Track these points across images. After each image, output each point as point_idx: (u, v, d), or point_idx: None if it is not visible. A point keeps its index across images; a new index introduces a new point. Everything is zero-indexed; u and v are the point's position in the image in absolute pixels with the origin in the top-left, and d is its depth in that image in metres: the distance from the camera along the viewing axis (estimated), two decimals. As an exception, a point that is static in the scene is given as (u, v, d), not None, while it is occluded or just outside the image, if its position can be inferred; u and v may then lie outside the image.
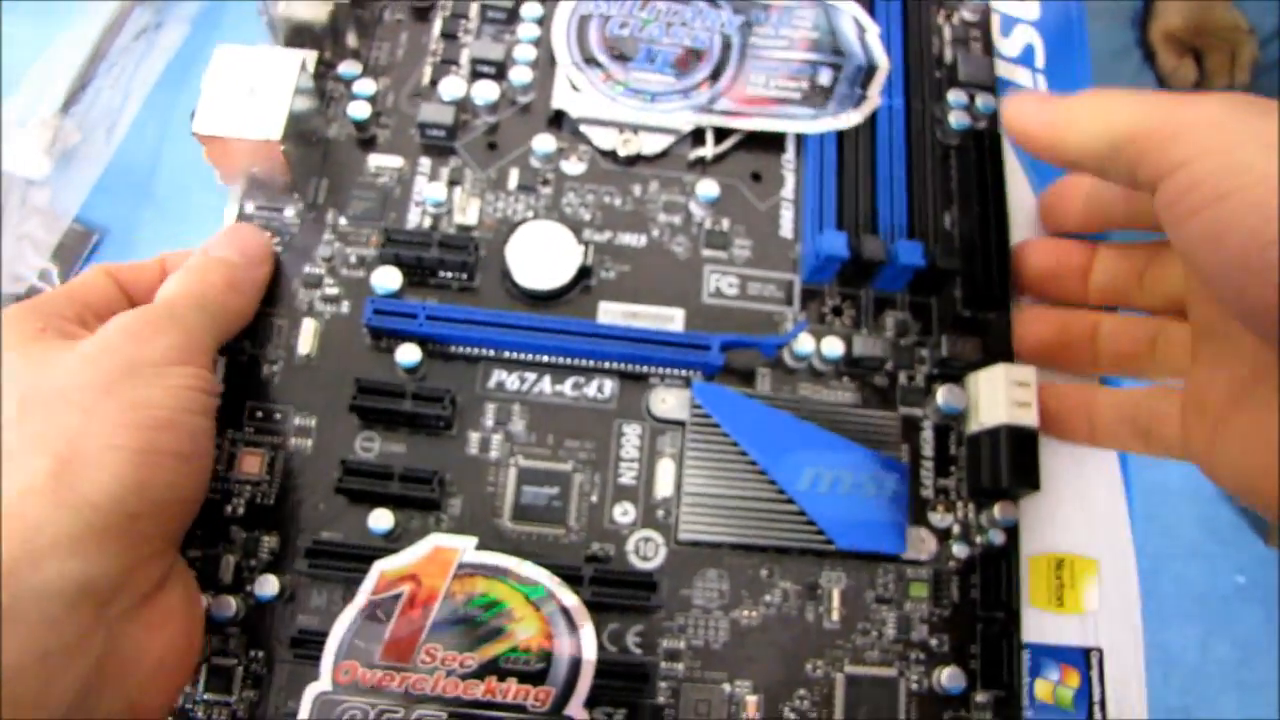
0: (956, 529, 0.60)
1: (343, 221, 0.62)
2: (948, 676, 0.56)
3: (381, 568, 0.54)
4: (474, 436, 0.59)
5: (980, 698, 0.57)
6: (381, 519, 0.56)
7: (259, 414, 0.58)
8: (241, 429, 0.58)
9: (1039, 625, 0.57)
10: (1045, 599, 0.58)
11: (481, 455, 0.58)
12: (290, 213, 0.61)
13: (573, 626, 0.53)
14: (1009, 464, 0.57)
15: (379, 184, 0.63)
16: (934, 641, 0.58)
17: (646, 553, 0.58)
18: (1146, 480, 0.61)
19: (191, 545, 0.54)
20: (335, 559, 0.54)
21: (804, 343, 0.60)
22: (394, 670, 0.52)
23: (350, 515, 0.56)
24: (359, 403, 0.56)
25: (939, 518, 0.60)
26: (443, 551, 0.54)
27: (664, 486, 0.58)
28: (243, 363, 0.58)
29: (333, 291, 0.60)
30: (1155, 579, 0.64)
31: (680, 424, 0.59)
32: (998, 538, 0.59)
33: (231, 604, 0.54)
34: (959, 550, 0.59)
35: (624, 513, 0.58)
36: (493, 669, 0.52)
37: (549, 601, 0.53)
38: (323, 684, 0.52)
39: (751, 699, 0.56)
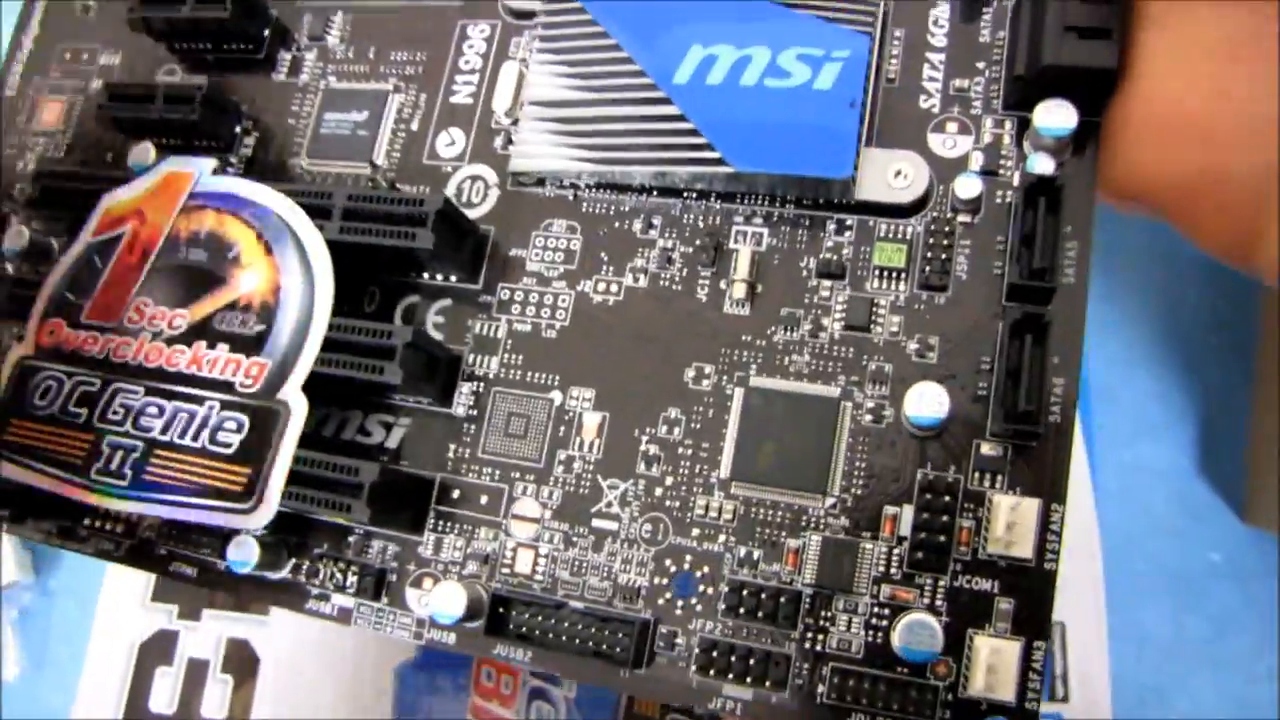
0: (977, 157, 0.35)
1: None
2: (924, 399, 0.33)
3: (107, 203, 0.40)
4: (284, 57, 0.43)
5: (989, 448, 0.33)
6: (141, 154, 0.42)
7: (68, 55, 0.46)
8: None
9: None
10: None
11: (290, 79, 0.42)
12: None
13: (307, 268, 0.36)
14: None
15: None
16: (911, 344, 0.34)
17: (472, 196, 0.39)
18: (1118, 458, 0.60)
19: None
20: (66, 196, 0.41)
21: None
22: (98, 332, 0.38)
23: (109, 146, 0.43)
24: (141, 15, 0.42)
25: (945, 141, 0.35)
26: (175, 178, 0.39)
27: (504, 99, 0.39)
28: None
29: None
30: (1127, 556, 0.57)
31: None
32: (1044, 165, 0.33)
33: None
34: (966, 188, 0.34)
35: (450, 143, 0.40)
36: (204, 331, 0.37)
37: (284, 238, 0.37)
38: (25, 346, 0.40)
39: (592, 418, 0.36)
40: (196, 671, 0.66)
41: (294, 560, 0.38)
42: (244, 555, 0.36)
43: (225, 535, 0.38)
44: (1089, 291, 0.33)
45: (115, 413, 0.37)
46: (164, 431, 0.36)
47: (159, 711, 0.66)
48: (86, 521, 0.40)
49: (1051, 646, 0.54)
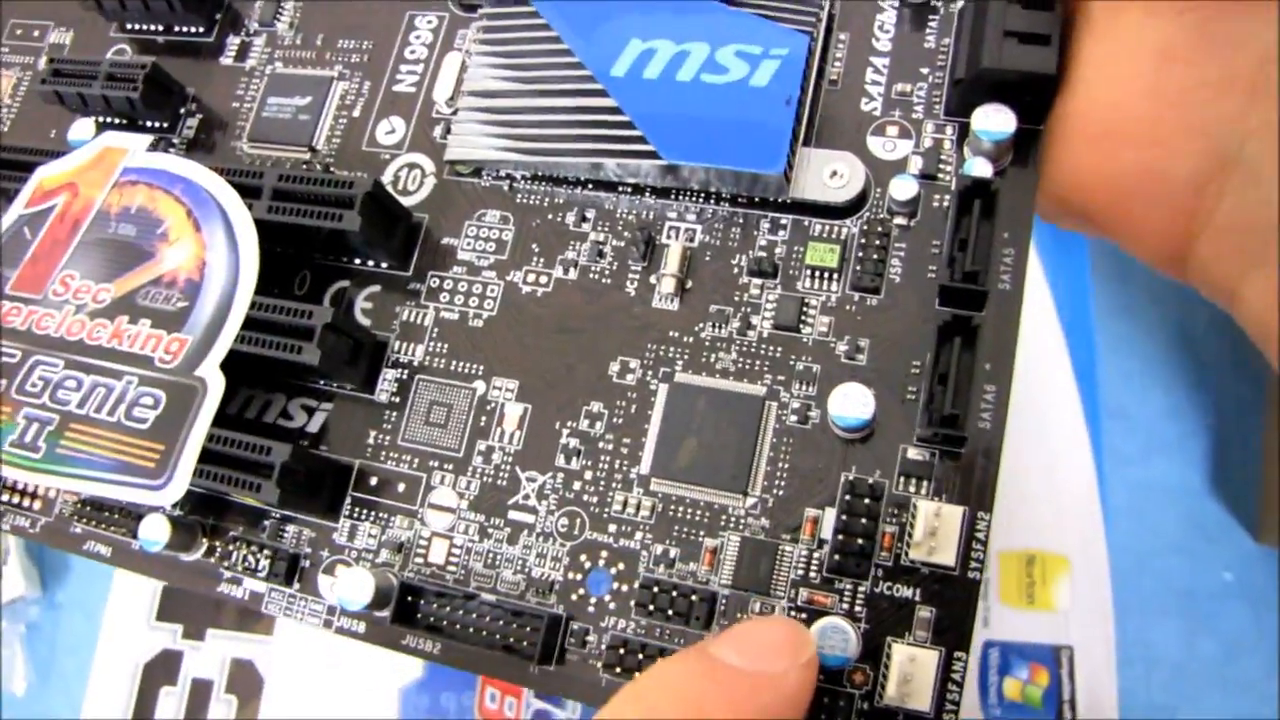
0: (916, 160, 0.34)
1: None
2: (849, 400, 0.32)
3: (41, 175, 0.40)
4: (232, 42, 0.42)
5: (915, 453, 0.32)
6: (82, 130, 0.42)
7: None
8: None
9: (1009, 623, 0.55)
10: (1016, 596, 0.56)
11: (238, 63, 0.42)
12: None
13: (233, 245, 0.35)
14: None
15: None
16: (840, 346, 0.33)
17: (409, 184, 0.38)
18: (1128, 477, 0.60)
19: None
20: (11, 168, 0.41)
21: None
22: (22, 303, 0.38)
23: (53, 122, 0.43)
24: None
25: (885, 144, 0.35)
26: (110, 153, 0.39)
27: (445, 88, 0.38)
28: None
29: None
30: (1137, 576, 0.58)
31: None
32: (981, 169, 0.33)
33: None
34: (902, 189, 0.34)
35: (390, 131, 0.39)
36: (128, 305, 0.36)
37: (213, 215, 0.36)
38: (-53, 318, 0.39)
39: (514, 409, 0.35)
40: (201, 692, 0.66)
41: (208, 543, 0.37)
42: (155, 535, 0.36)
43: (139, 515, 0.37)
44: (1025, 298, 0.33)
45: (34, 385, 0.36)
46: (81, 405, 0.35)
47: (164, 730, 0.66)
48: (4, 498, 0.40)
49: (1061, 671, 0.55)
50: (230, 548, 0.36)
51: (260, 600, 0.36)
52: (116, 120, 0.42)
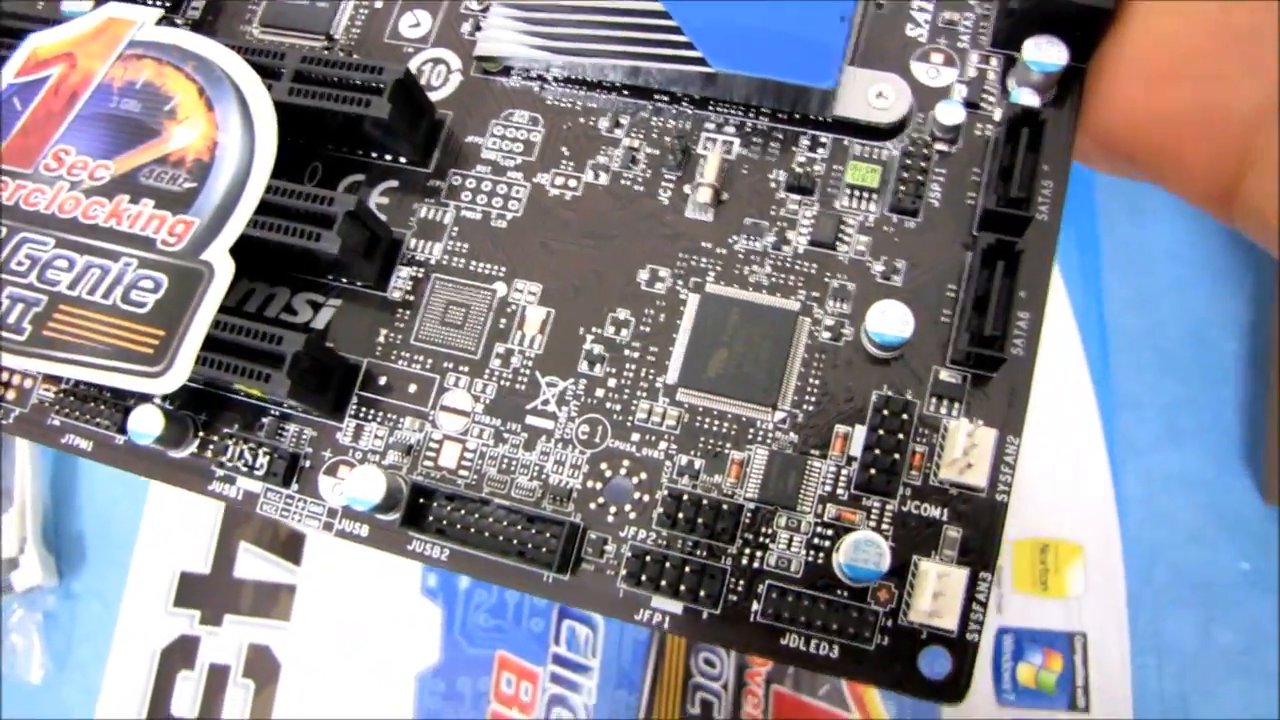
0: (960, 89, 0.34)
1: None
2: (888, 317, 0.31)
3: (34, 43, 0.37)
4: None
5: (948, 375, 0.31)
6: (77, 1, 0.39)
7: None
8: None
9: (1022, 609, 0.55)
10: (1029, 583, 0.57)
11: (252, -54, 0.40)
12: None
13: (249, 127, 0.34)
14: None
15: None
16: (876, 266, 0.33)
17: (432, 80, 0.37)
18: (1142, 466, 0.60)
19: None
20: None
21: None
22: (8, 177, 0.35)
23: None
24: None
25: (929, 70, 0.34)
26: (115, 24, 0.37)
27: (475, -16, 0.37)
28: None
29: None
30: (1151, 566, 0.57)
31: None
32: (1029, 99, 0.32)
33: None
34: (949, 114, 0.33)
35: (414, 24, 0.38)
36: (129, 184, 0.34)
37: (227, 95, 0.34)
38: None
39: (536, 312, 0.34)
40: (218, 677, 0.67)
41: (199, 439, 0.35)
42: (146, 426, 0.34)
43: (126, 408, 0.35)
44: (1061, 229, 0.33)
45: (20, 264, 0.34)
46: (72, 286, 0.33)
47: (181, 716, 0.66)
48: (-26, 388, 0.37)
49: (1074, 657, 0.56)
50: (226, 443, 0.34)
51: (255, 500, 0.34)
52: (116, -2, 0.39)
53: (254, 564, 0.68)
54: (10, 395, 0.37)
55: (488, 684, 0.62)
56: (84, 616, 0.70)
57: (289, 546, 0.68)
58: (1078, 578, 0.57)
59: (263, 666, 0.66)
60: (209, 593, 0.68)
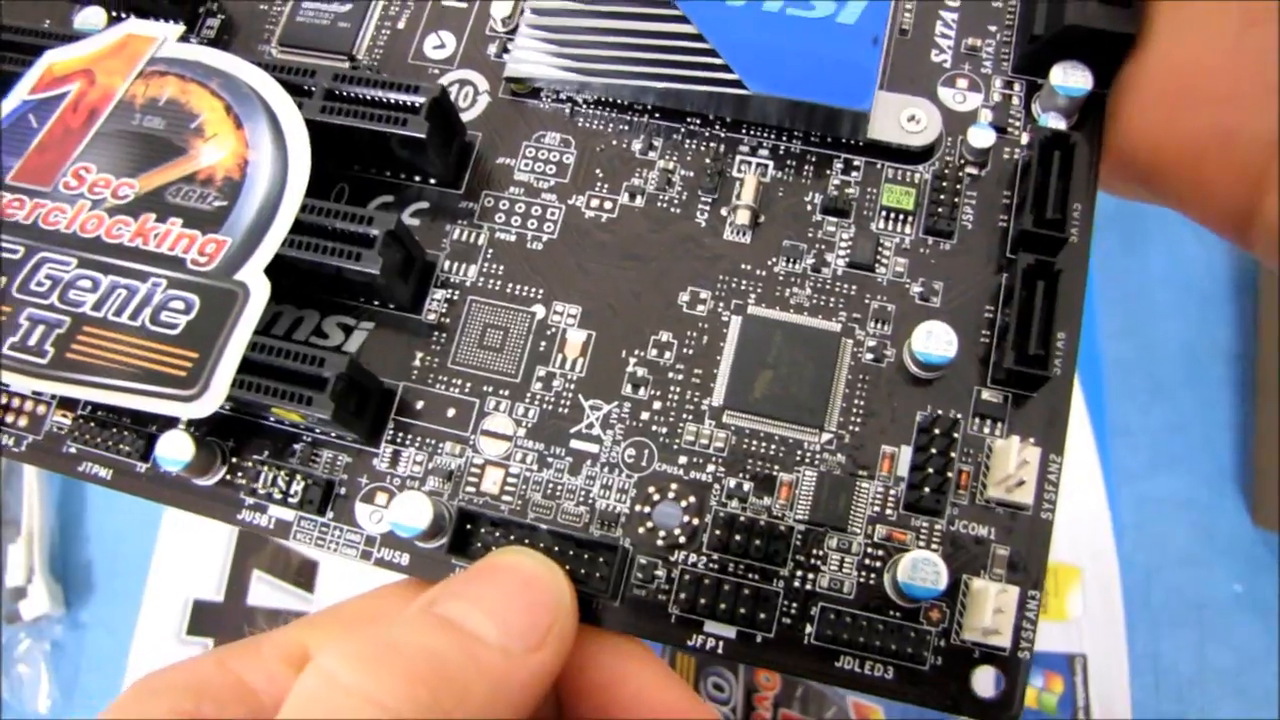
0: (986, 113, 0.35)
1: None
2: (933, 338, 0.31)
3: (49, 60, 0.36)
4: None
5: (990, 395, 0.32)
6: (91, 18, 0.38)
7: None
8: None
9: None
10: None
11: (269, -34, 0.39)
12: None
13: (281, 144, 0.33)
14: None
15: None
16: (915, 287, 0.33)
17: (460, 101, 0.37)
18: (1135, 491, 0.61)
19: None
20: (13, 50, 0.37)
21: None
22: (25, 195, 0.34)
23: (46, 11, 0.39)
24: None
25: (955, 95, 0.35)
26: (135, 40, 0.36)
27: (504, 6, 0.37)
28: None
29: None
30: (1146, 588, 0.59)
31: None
32: (1056, 123, 0.33)
33: None
34: (980, 138, 0.34)
35: (439, 45, 0.37)
36: (155, 203, 0.33)
37: (256, 112, 0.34)
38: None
39: (577, 335, 0.33)
40: None
41: (227, 468, 0.34)
42: (176, 453, 0.33)
43: (149, 435, 0.34)
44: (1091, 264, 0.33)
45: (40, 284, 0.33)
46: (97, 307, 0.32)
47: (194, 747, 0.64)
48: (-18, 415, 0.36)
49: (1075, 679, 0.57)
50: (259, 469, 0.33)
51: (288, 529, 0.33)
52: (127, 16, 0.38)
53: (267, 592, 0.66)
54: (22, 422, 0.36)
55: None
56: (91, 646, 0.69)
57: (302, 574, 0.67)
58: (1077, 601, 0.58)
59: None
60: (222, 621, 0.67)
